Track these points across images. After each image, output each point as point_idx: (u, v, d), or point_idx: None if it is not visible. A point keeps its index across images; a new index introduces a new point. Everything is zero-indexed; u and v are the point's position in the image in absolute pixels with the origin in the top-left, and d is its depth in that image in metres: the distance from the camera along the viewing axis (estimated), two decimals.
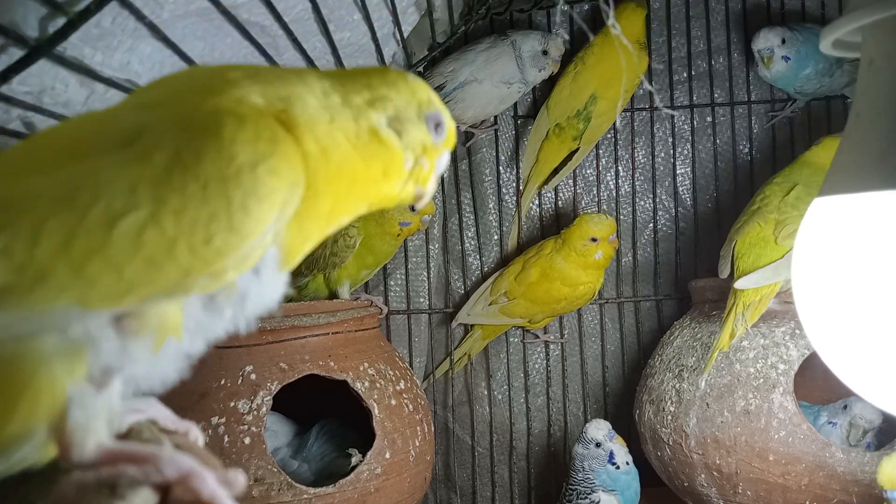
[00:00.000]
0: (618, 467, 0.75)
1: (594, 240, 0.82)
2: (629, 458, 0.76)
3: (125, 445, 0.25)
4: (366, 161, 0.27)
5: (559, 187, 0.93)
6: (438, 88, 0.82)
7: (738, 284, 0.70)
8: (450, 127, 0.31)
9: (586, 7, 0.91)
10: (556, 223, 0.94)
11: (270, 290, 0.27)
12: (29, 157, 0.24)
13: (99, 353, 0.23)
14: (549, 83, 0.92)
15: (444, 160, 0.31)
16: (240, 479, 0.25)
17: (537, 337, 0.93)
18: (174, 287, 0.23)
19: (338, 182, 0.26)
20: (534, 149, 0.88)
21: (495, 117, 0.91)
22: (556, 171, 0.91)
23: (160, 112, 0.24)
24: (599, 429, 0.76)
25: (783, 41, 0.80)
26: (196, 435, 0.30)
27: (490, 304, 0.88)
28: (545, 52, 0.81)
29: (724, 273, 0.74)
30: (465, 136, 0.92)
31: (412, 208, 0.74)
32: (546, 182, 0.92)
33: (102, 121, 0.25)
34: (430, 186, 0.31)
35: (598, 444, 0.75)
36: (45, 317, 0.22)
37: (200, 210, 0.22)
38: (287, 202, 0.24)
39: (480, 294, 0.89)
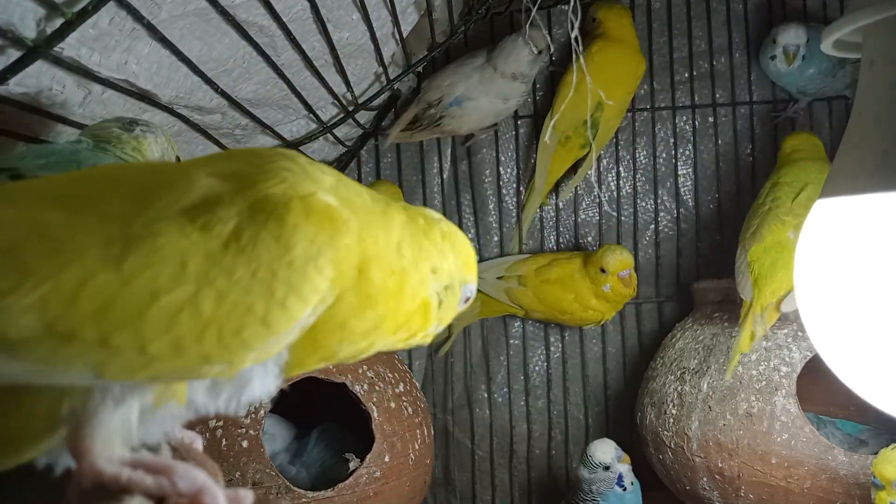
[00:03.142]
0: (625, 489, 0.74)
1: (603, 271, 0.81)
2: (633, 477, 0.75)
3: (140, 457, 0.24)
4: (407, 319, 0.27)
5: (560, 188, 0.93)
6: (436, 102, 0.81)
7: (784, 308, 0.68)
8: (472, 299, 0.32)
9: (584, 7, 0.90)
10: (557, 225, 0.94)
11: (269, 384, 0.26)
12: (91, 194, 0.23)
13: (103, 398, 0.23)
14: (551, 82, 0.92)
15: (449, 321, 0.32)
16: (249, 497, 0.25)
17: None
18: (190, 371, 0.23)
19: (363, 314, 0.26)
20: (545, 164, 0.86)
21: (496, 155, 0.91)
22: (558, 182, 0.91)
23: (232, 185, 0.23)
24: (607, 452, 0.74)
25: (808, 40, 0.80)
26: (199, 447, 0.30)
27: (499, 279, 0.88)
28: (540, 52, 0.80)
29: (745, 292, 0.70)
30: (466, 137, 0.92)
31: None
32: (555, 194, 0.92)
33: (172, 178, 0.24)
34: (426, 342, 0.31)
35: (606, 468, 0.74)
36: (57, 373, 0.21)
37: (241, 298, 0.22)
38: (323, 301, 0.24)
39: (495, 265, 0.89)
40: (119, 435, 0.24)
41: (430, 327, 0.29)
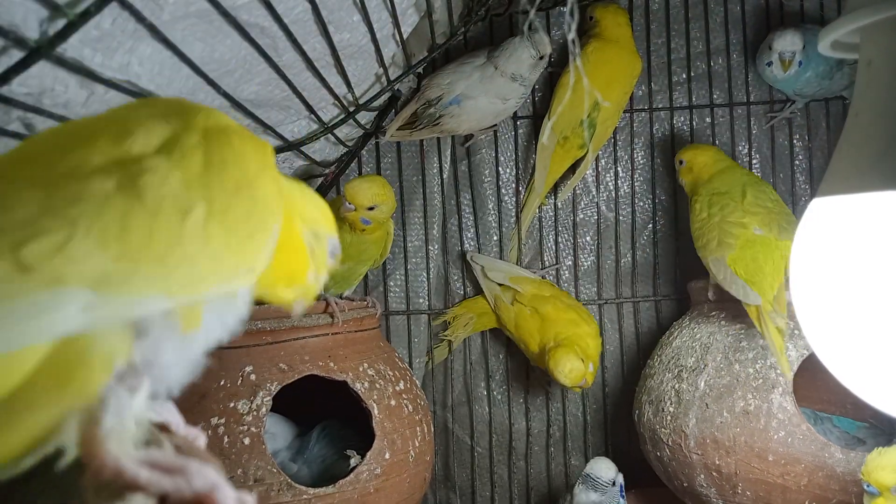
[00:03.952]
0: (624, 497, 0.76)
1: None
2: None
3: (155, 455, 0.25)
4: (290, 257, 0.31)
5: (559, 188, 0.93)
6: (435, 100, 0.81)
7: (788, 297, 0.68)
8: (338, 256, 0.35)
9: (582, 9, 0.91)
10: (555, 225, 0.95)
11: (245, 307, 0.29)
12: (71, 152, 0.25)
13: (146, 335, 0.25)
14: (549, 82, 0.93)
15: (323, 279, 0.35)
16: (251, 502, 0.26)
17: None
18: (230, 278, 0.26)
19: (282, 257, 0.29)
20: (545, 164, 0.87)
21: (496, 155, 0.91)
22: (557, 183, 0.91)
23: (177, 123, 0.26)
24: (609, 467, 0.76)
25: (804, 46, 0.80)
26: (203, 443, 0.31)
27: (498, 284, 0.88)
28: (541, 58, 0.81)
29: (749, 296, 0.70)
30: (465, 137, 0.93)
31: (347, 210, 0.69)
32: (554, 194, 0.92)
33: (130, 124, 0.26)
34: (309, 299, 0.34)
35: (613, 483, 0.76)
36: (138, 304, 0.23)
37: (240, 206, 0.26)
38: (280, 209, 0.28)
39: (504, 268, 0.89)
40: (131, 434, 0.24)
41: (307, 269, 0.32)
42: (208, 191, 0.25)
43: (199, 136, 0.26)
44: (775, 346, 0.68)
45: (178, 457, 0.25)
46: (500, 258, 0.94)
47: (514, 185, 0.94)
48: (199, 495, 0.24)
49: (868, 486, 0.56)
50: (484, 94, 0.81)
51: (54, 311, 0.21)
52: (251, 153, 0.27)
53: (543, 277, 0.92)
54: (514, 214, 0.94)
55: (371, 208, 0.69)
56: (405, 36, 0.66)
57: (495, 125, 0.91)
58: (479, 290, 0.94)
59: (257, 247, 0.26)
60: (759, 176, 0.85)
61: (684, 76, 0.93)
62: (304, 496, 0.61)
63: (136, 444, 0.25)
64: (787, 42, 0.80)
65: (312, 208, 0.33)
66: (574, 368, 0.77)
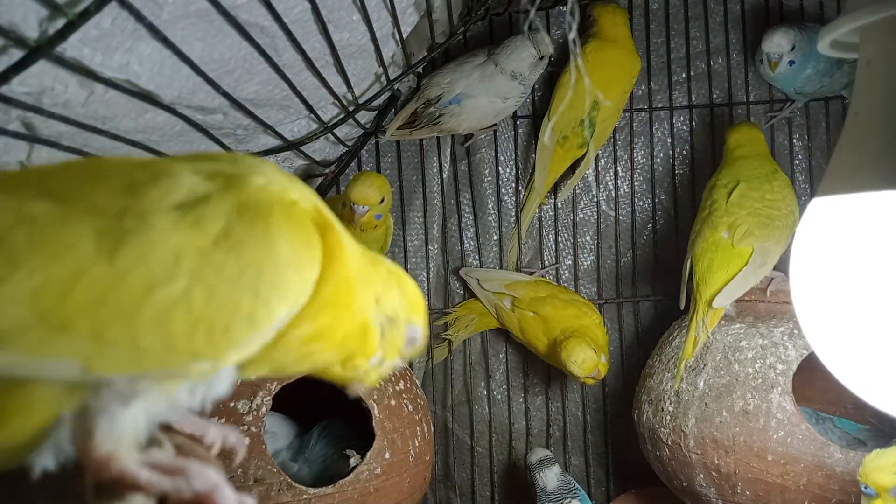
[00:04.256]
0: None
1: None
2: None
3: (156, 456, 0.24)
4: (346, 337, 0.28)
5: (559, 188, 0.93)
6: (435, 100, 0.81)
7: (716, 303, 0.72)
8: (422, 343, 0.33)
9: (582, 8, 0.91)
10: (555, 225, 0.95)
11: (229, 383, 0.26)
12: (78, 185, 0.23)
13: (111, 398, 0.23)
14: (549, 82, 0.93)
15: (397, 364, 0.33)
16: (250, 503, 0.25)
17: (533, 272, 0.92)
18: (178, 367, 0.23)
19: (320, 326, 0.26)
20: (544, 164, 0.86)
21: (495, 155, 0.91)
22: (556, 182, 0.91)
23: (218, 183, 0.24)
24: (544, 450, 0.83)
25: (793, 47, 0.80)
26: (242, 450, 0.29)
27: (494, 293, 0.87)
28: (541, 58, 0.81)
29: (682, 300, 0.75)
30: (465, 137, 0.93)
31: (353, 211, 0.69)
32: (554, 194, 0.92)
33: (159, 173, 0.24)
34: (369, 383, 0.32)
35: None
36: (44, 366, 0.21)
37: (230, 294, 0.22)
38: (297, 304, 0.24)
39: (497, 277, 0.89)
40: (129, 435, 0.23)
41: (369, 353, 0.29)
42: (202, 268, 0.22)
43: (233, 205, 0.23)
44: (682, 354, 0.71)
45: (178, 457, 0.25)
46: (500, 258, 0.94)
47: (513, 185, 0.94)
48: (200, 495, 0.24)
49: (865, 487, 0.55)
50: (484, 94, 0.81)
51: None
52: (286, 236, 0.23)
53: (543, 277, 0.92)
54: (514, 214, 0.94)
55: (381, 201, 0.70)
56: (405, 35, 0.66)
57: (495, 125, 0.91)
58: None
59: (230, 341, 0.23)
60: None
61: (684, 76, 0.93)
62: (304, 496, 0.61)
63: (137, 446, 0.24)
64: (774, 44, 0.80)
65: (395, 292, 0.30)
66: (587, 358, 0.77)
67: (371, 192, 0.68)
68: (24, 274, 0.20)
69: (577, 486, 0.82)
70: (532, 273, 0.92)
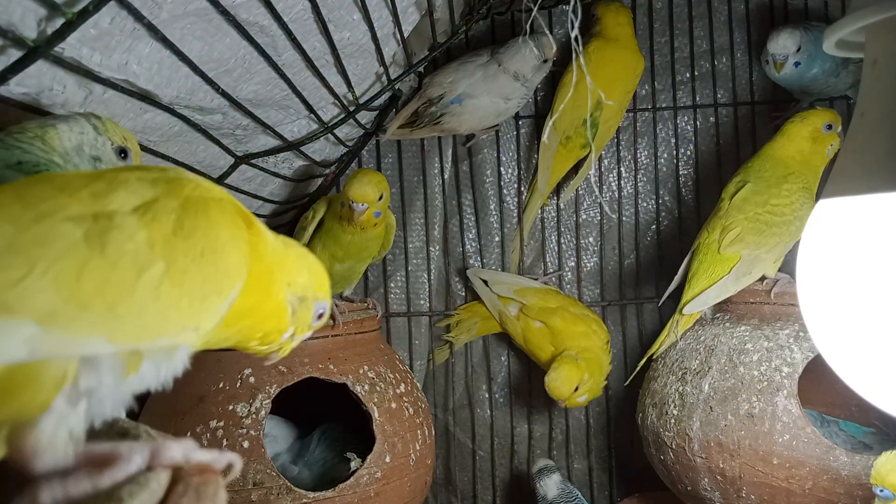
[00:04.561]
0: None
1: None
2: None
3: (93, 448, 0.27)
4: (265, 316, 0.33)
5: (561, 188, 0.93)
6: (437, 99, 0.81)
7: (686, 310, 0.73)
8: (327, 316, 0.37)
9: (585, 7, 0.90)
10: (558, 226, 0.94)
11: (183, 362, 0.31)
12: (52, 198, 0.27)
13: (90, 372, 0.27)
14: (552, 82, 0.92)
15: (305, 337, 0.37)
16: (227, 456, 0.29)
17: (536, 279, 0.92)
18: (174, 334, 0.28)
19: (245, 306, 0.31)
20: (547, 164, 0.86)
21: (497, 155, 0.91)
22: (560, 183, 0.91)
23: (161, 188, 0.29)
24: (545, 459, 0.84)
25: (798, 48, 0.80)
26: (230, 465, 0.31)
27: (500, 297, 0.86)
28: (545, 61, 0.80)
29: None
30: (467, 137, 0.92)
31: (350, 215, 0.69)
32: (556, 195, 0.92)
33: (112, 182, 0.28)
34: (283, 354, 0.37)
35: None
36: (79, 343, 0.25)
37: (199, 271, 0.28)
38: (242, 279, 0.30)
39: (508, 281, 0.88)
40: (68, 436, 0.27)
41: (282, 330, 0.34)
42: (171, 253, 0.27)
43: (178, 203, 0.28)
44: (657, 343, 0.74)
45: (122, 444, 0.27)
46: (502, 259, 0.94)
47: (515, 186, 0.94)
48: (153, 463, 0.27)
49: (881, 490, 0.54)
50: (486, 94, 0.81)
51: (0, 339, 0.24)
52: (224, 224, 0.29)
53: (546, 284, 0.91)
54: (515, 215, 0.94)
55: (380, 198, 0.69)
56: (406, 35, 0.66)
57: (497, 125, 0.90)
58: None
59: (207, 309, 0.28)
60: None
61: (688, 75, 0.92)
62: (304, 500, 0.61)
63: (74, 446, 0.27)
64: (780, 45, 0.80)
65: (304, 274, 0.35)
66: (558, 388, 0.77)
67: (369, 190, 0.67)
68: (42, 268, 0.24)
69: (579, 493, 0.82)
70: (535, 280, 0.91)
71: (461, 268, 0.94)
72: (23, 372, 0.25)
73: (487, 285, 0.89)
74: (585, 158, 0.87)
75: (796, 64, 0.80)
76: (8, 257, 0.24)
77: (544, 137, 0.80)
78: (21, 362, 0.24)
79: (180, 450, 0.28)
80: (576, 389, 0.78)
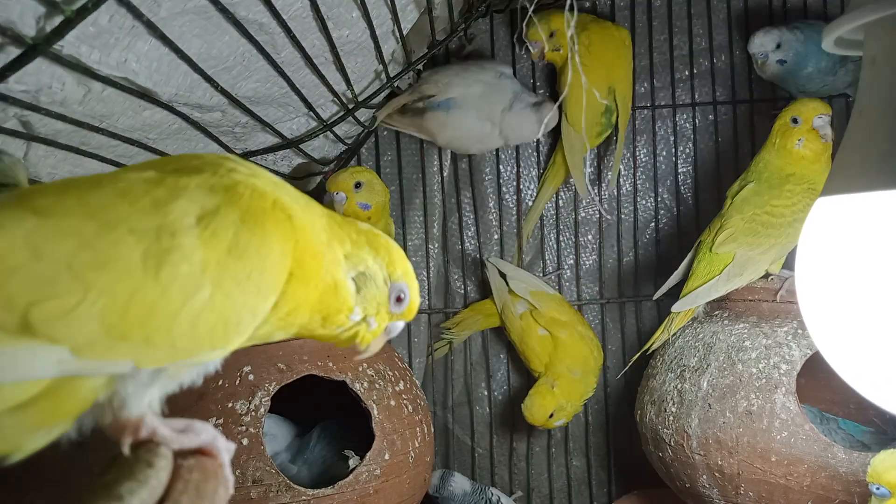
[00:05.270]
0: None
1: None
2: None
3: (169, 422, 0.29)
4: (320, 299, 0.31)
5: (560, 187, 0.93)
6: (428, 97, 0.80)
7: (674, 308, 0.74)
8: (412, 301, 0.34)
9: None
10: (557, 224, 0.94)
11: (219, 361, 0.31)
12: (115, 205, 0.26)
13: (136, 386, 0.28)
14: (551, 80, 0.92)
15: (396, 327, 0.35)
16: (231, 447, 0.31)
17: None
18: (201, 357, 0.28)
19: (294, 301, 0.30)
20: (580, 169, 0.84)
21: (497, 154, 0.90)
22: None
23: (220, 196, 0.28)
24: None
25: (778, 45, 0.80)
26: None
27: (517, 297, 0.86)
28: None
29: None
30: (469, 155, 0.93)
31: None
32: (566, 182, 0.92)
33: (173, 189, 0.27)
34: (373, 345, 0.34)
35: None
36: (105, 366, 0.26)
37: (241, 295, 0.27)
38: (280, 290, 0.29)
39: (526, 279, 0.87)
40: (152, 406, 0.29)
41: (347, 311, 0.32)
42: (221, 275, 0.26)
43: (237, 216, 0.27)
44: (652, 339, 0.75)
45: (195, 421, 0.30)
46: (501, 257, 0.94)
47: (514, 183, 0.94)
48: (204, 446, 0.29)
49: (878, 488, 0.54)
50: (475, 110, 0.80)
51: (32, 362, 0.24)
52: (277, 240, 0.28)
53: (550, 283, 0.91)
54: (515, 213, 0.94)
55: (358, 186, 0.69)
56: (405, 32, 0.65)
57: (476, 153, 0.89)
58: (480, 291, 0.94)
59: (240, 332, 0.28)
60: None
61: (687, 73, 0.92)
62: (303, 497, 0.61)
63: (156, 414, 0.29)
64: (756, 44, 0.80)
65: (365, 250, 0.32)
66: (534, 415, 0.81)
67: (343, 176, 0.68)
68: (94, 296, 0.24)
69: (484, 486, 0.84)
70: (552, 285, 0.91)
71: (460, 265, 0.94)
72: (60, 384, 0.25)
73: (504, 277, 0.88)
74: (607, 141, 0.87)
75: (780, 62, 0.80)
76: (65, 282, 0.24)
77: (540, 134, 0.80)
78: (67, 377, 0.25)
79: (222, 442, 0.29)
80: (551, 416, 0.81)
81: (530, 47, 0.82)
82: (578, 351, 0.83)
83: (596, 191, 0.93)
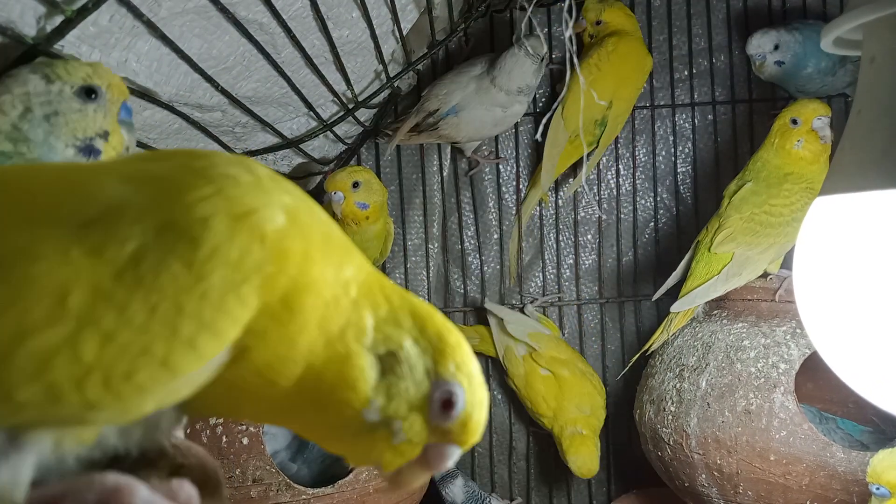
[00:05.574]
0: None
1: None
2: None
3: (42, 490, 0.21)
4: (321, 371, 0.21)
5: (560, 186, 0.93)
6: (433, 113, 0.81)
7: (673, 308, 0.74)
8: (467, 413, 0.23)
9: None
10: (556, 223, 0.94)
11: (173, 419, 0.23)
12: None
13: None
14: (551, 81, 0.92)
15: (443, 454, 0.23)
16: (185, 488, 0.22)
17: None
18: (73, 418, 0.19)
19: (271, 355, 0.21)
20: (553, 162, 0.85)
21: (496, 153, 0.91)
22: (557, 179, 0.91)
23: (146, 195, 0.19)
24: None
25: (776, 47, 0.80)
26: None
27: (508, 334, 0.85)
28: (542, 60, 0.80)
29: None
30: (469, 166, 0.93)
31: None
32: (555, 190, 0.92)
33: (77, 184, 0.20)
34: (406, 476, 0.23)
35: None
36: None
37: (134, 339, 0.18)
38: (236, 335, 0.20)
39: (524, 322, 0.87)
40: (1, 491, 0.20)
41: (359, 401, 0.22)
42: (97, 307, 0.18)
43: (153, 223, 0.19)
44: (651, 340, 0.76)
45: (62, 483, 0.21)
46: (501, 257, 0.94)
47: (514, 183, 0.94)
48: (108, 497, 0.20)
49: (878, 488, 0.54)
50: (480, 105, 0.80)
51: None
52: (225, 263, 0.19)
53: (543, 310, 0.91)
54: (514, 213, 0.94)
55: (356, 185, 0.69)
56: (405, 32, 0.66)
57: (503, 157, 0.90)
58: (480, 291, 0.94)
59: (139, 389, 0.19)
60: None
61: (686, 73, 0.92)
62: (304, 496, 0.61)
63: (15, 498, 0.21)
64: (753, 46, 0.81)
65: (406, 325, 0.22)
66: (591, 469, 0.80)
67: (340, 176, 0.68)
68: None
69: (484, 493, 0.84)
70: (533, 301, 0.91)
71: (460, 265, 0.94)
72: None
73: (502, 322, 0.87)
74: (589, 154, 0.87)
75: (778, 63, 0.81)
76: None
77: (539, 134, 0.80)
78: None
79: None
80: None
81: (579, 20, 0.83)
82: (583, 388, 0.83)
83: (595, 191, 0.93)
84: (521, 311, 0.91)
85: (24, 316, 0.18)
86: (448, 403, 0.23)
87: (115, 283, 0.18)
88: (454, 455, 0.24)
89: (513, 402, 0.95)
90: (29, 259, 0.18)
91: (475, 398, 0.23)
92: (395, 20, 0.61)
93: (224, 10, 0.42)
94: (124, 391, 0.18)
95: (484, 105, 0.80)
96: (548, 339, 0.86)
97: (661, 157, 0.94)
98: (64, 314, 0.18)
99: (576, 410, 0.82)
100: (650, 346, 0.78)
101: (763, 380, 0.69)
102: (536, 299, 0.92)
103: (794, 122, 0.73)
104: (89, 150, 0.35)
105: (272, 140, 0.65)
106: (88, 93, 0.34)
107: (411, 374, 0.22)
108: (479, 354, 0.94)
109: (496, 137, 0.93)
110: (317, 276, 0.21)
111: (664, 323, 0.78)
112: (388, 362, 0.22)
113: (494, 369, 0.96)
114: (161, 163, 0.21)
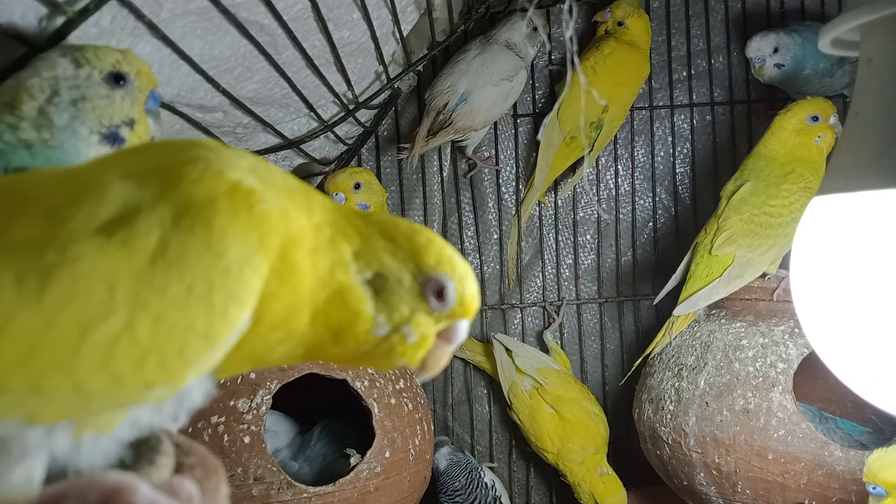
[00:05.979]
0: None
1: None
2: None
3: (45, 490, 0.22)
4: (325, 308, 0.24)
5: (558, 186, 0.93)
6: (443, 109, 0.81)
7: (676, 311, 0.74)
8: (460, 294, 0.25)
9: (584, 5, 0.91)
10: (555, 223, 0.94)
11: (207, 388, 0.24)
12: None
13: (22, 442, 0.21)
14: (550, 81, 0.92)
15: (457, 331, 0.26)
16: (186, 486, 0.23)
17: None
18: (131, 399, 0.21)
19: (284, 309, 0.23)
20: (547, 162, 0.85)
21: (496, 153, 0.91)
22: (556, 180, 0.91)
23: (151, 189, 0.21)
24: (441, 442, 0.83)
25: (775, 49, 0.80)
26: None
27: (523, 374, 0.85)
28: (535, 29, 0.81)
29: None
30: (469, 167, 0.93)
31: None
32: (553, 192, 0.92)
33: (83, 188, 0.21)
34: (430, 361, 0.26)
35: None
36: None
37: (180, 316, 0.20)
38: (254, 302, 0.22)
39: (533, 356, 0.87)
40: (17, 490, 0.21)
41: (366, 324, 0.24)
42: (142, 292, 0.19)
43: (168, 212, 0.20)
44: (652, 344, 0.76)
45: (62, 483, 0.22)
46: (501, 257, 0.94)
47: (514, 184, 0.94)
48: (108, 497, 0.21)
49: (874, 487, 0.54)
50: (488, 81, 0.80)
51: None
52: (234, 237, 0.21)
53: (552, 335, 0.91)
54: (513, 213, 0.94)
55: (357, 186, 0.69)
56: (405, 33, 0.66)
57: (499, 166, 0.91)
58: (480, 291, 0.94)
59: (187, 362, 0.20)
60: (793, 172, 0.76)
61: (685, 74, 0.93)
62: (305, 494, 0.61)
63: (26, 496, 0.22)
64: (753, 49, 0.81)
65: (379, 243, 0.25)
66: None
67: (341, 177, 0.68)
68: None
69: (471, 459, 0.83)
70: (549, 326, 0.91)
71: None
72: None
73: (510, 354, 0.87)
74: (584, 157, 0.87)
75: (778, 66, 0.81)
76: None
77: (551, 136, 0.81)
78: None
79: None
80: None
81: (605, 12, 0.84)
82: (587, 430, 0.83)
83: (594, 191, 0.94)
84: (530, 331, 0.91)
85: (82, 312, 0.19)
86: (440, 293, 0.25)
87: (151, 269, 0.20)
88: (465, 327, 0.27)
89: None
90: (69, 262, 0.19)
91: (460, 277, 0.26)
92: (396, 21, 0.61)
93: (225, 12, 0.42)
94: (175, 366, 0.20)
95: (492, 80, 0.80)
96: (556, 374, 0.85)
97: (659, 158, 0.94)
98: (116, 304, 0.19)
99: (581, 451, 0.83)
100: (652, 349, 0.78)
101: (761, 379, 0.69)
102: (554, 321, 0.91)
103: (815, 118, 0.73)
104: (114, 137, 0.33)
105: (273, 140, 0.65)
106: (117, 79, 0.33)
107: (400, 284, 0.25)
108: (478, 370, 0.95)
109: (496, 137, 0.93)
110: (298, 228, 0.23)
111: (665, 326, 0.77)
112: (378, 282, 0.25)
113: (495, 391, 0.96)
114: (147, 157, 0.23)
